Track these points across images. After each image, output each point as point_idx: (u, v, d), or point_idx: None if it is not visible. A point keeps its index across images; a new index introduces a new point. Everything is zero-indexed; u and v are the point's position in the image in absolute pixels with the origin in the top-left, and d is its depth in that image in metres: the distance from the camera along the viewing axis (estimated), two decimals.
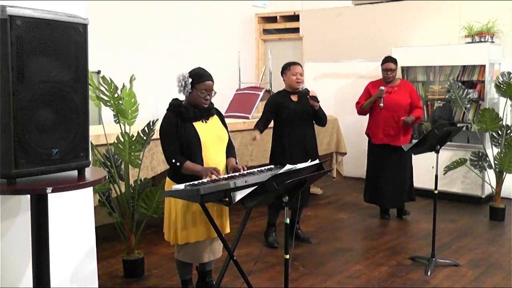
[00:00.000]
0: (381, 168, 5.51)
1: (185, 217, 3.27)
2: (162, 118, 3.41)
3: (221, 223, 3.40)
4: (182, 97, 3.40)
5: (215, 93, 3.36)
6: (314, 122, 4.69)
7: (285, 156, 4.47)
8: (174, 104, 3.35)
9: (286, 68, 4.61)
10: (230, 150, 3.51)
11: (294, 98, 4.62)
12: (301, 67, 4.63)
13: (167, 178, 3.41)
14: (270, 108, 4.64)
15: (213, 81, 3.33)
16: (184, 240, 3.29)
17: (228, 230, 3.48)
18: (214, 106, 3.47)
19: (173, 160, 3.25)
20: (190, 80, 3.26)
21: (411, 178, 5.63)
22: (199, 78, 3.27)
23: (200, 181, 3.01)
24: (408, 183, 5.59)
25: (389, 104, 5.33)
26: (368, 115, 5.58)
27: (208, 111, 3.38)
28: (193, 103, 3.32)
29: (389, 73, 5.39)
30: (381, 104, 5.29)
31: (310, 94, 4.48)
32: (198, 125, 3.32)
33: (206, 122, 3.37)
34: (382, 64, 5.45)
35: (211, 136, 3.35)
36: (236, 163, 3.45)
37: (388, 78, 5.40)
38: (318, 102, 4.48)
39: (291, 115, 4.55)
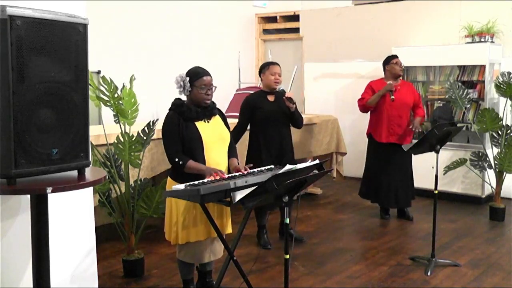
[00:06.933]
0: (385, 167, 5.49)
1: (185, 217, 3.26)
2: (162, 117, 3.41)
3: (222, 223, 3.39)
4: (184, 97, 3.41)
5: (216, 87, 3.36)
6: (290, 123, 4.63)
7: (258, 157, 4.42)
8: (176, 104, 3.35)
9: (265, 68, 4.56)
10: (232, 151, 3.50)
11: (271, 98, 4.56)
12: (280, 67, 4.57)
13: (168, 178, 3.41)
14: (244, 112, 4.57)
15: (211, 76, 3.34)
16: (185, 239, 3.29)
17: (229, 230, 3.48)
18: (216, 106, 3.48)
19: (176, 159, 3.24)
20: (188, 78, 3.28)
21: (412, 176, 5.64)
22: (196, 75, 3.29)
23: (201, 181, 3.01)
24: (411, 181, 5.60)
25: (395, 102, 5.31)
26: (369, 113, 5.57)
27: (210, 111, 3.39)
28: (195, 102, 3.33)
29: (397, 68, 5.39)
30: (392, 97, 5.25)
31: (286, 95, 4.41)
32: (200, 125, 3.32)
33: (208, 122, 3.37)
34: (391, 60, 5.44)
35: (213, 136, 3.35)
36: (238, 163, 3.45)
37: (398, 72, 5.39)
38: (294, 104, 4.43)
39: (266, 116, 4.49)
